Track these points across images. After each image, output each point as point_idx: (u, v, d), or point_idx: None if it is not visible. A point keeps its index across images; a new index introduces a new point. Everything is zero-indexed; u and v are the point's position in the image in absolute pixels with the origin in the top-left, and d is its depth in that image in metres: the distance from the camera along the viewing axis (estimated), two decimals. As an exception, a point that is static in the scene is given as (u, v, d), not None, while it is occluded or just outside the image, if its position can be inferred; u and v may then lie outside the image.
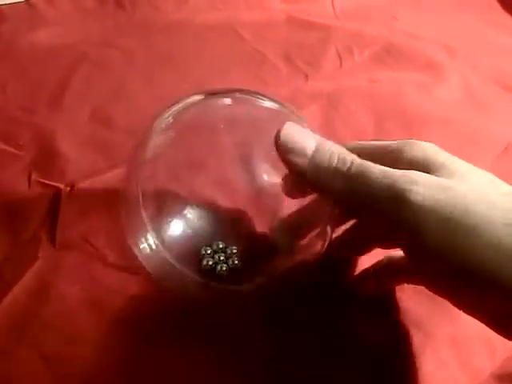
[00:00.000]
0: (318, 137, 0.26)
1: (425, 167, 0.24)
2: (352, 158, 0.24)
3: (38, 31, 0.53)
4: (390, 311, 0.34)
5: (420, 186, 0.22)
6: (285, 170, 0.28)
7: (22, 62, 0.50)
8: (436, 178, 0.23)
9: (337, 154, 0.25)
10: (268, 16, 0.59)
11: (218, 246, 0.35)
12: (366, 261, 0.36)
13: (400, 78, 0.52)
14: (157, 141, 0.31)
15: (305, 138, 0.26)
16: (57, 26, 0.54)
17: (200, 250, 0.34)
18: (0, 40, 0.51)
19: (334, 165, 0.25)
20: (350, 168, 0.24)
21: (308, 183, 0.26)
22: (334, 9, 0.62)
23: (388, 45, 0.56)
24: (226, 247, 0.35)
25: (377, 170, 0.23)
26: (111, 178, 0.39)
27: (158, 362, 0.31)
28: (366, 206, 0.24)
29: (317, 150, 0.25)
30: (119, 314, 0.33)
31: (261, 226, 0.36)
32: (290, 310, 0.33)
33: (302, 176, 0.26)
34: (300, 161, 0.25)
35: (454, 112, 0.49)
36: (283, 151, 0.26)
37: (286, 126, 0.26)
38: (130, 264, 0.34)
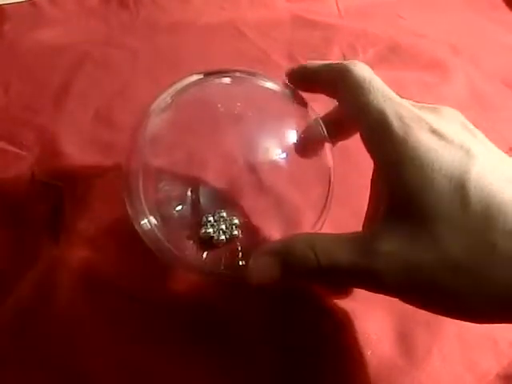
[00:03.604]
0: (280, 251, 0.26)
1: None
2: (316, 259, 0.24)
3: (42, 31, 0.53)
4: (395, 311, 0.34)
5: (389, 274, 0.22)
6: (286, 146, 0.28)
7: (25, 61, 0.50)
8: (398, 256, 0.22)
9: (302, 264, 0.25)
10: (272, 15, 0.59)
11: (219, 214, 0.35)
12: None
13: (404, 77, 0.51)
14: (156, 121, 0.31)
15: (270, 266, 0.26)
16: (60, 25, 0.54)
17: (201, 220, 0.35)
18: (3, 40, 0.51)
19: (304, 273, 0.25)
20: (320, 266, 0.24)
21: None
22: (338, 8, 0.62)
23: (392, 44, 0.56)
24: (227, 217, 0.35)
25: (345, 259, 0.23)
26: (114, 177, 0.39)
27: (160, 363, 0.31)
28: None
29: (285, 273, 0.25)
30: (123, 314, 0.33)
31: (261, 202, 0.37)
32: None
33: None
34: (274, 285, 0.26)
35: (459, 111, 0.48)
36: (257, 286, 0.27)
37: (250, 269, 0.26)
38: (135, 265, 0.34)
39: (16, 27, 0.53)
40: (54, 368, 0.30)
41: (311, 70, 0.30)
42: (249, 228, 0.36)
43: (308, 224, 0.33)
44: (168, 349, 0.31)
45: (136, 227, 0.31)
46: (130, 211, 0.31)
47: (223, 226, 0.35)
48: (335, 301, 0.34)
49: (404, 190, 0.23)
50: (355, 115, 0.26)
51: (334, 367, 0.31)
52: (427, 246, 0.21)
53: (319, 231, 0.32)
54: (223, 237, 0.34)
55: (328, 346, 0.32)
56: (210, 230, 0.34)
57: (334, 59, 0.53)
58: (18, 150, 0.41)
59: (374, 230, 0.24)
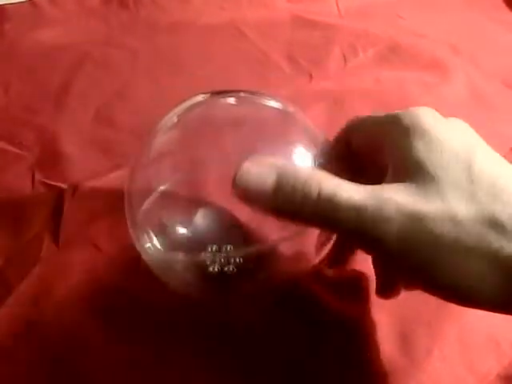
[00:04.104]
0: (279, 166, 0.25)
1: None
2: (319, 186, 0.23)
3: (42, 31, 0.53)
4: (396, 312, 0.34)
5: (388, 224, 0.21)
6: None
7: (25, 61, 0.50)
8: (405, 204, 0.22)
9: (301, 185, 0.24)
10: (272, 15, 0.59)
11: (226, 249, 0.35)
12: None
13: (404, 77, 0.51)
14: (161, 140, 0.31)
15: (263, 176, 0.25)
16: (60, 25, 0.54)
17: (206, 249, 0.34)
18: (3, 40, 0.51)
19: (299, 198, 0.24)
20: (319, 196, 0.23)
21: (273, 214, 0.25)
22: (338, 8, 0.62)
23: (392, 44, 0.56)
24: (229, 251, 0.35)
25: (344, 197, 0.22)
26: (115, 178, 0.39)
27: (160, 363, 0.31)
28: (336, 230, 0.26)
29: (278, 188, 0.24)
30: (124, 316, 0.32)
31: (266, 227, 0.36)
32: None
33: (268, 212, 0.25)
34: (262, 201, 0.25)
35: (459, 111, 0.47)
36: (242, 197, 0.25)
37: (240, 170, 0.25)
38: (135, 265, 0.33)
39: (16, 27, 0.53)
40: (54, 368, 0.30)
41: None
42: (249, 260, 0.36)
43: None
44: (168, 349, 0.31)
45: (136, 246, 0.30)
46: (131, 231, 0.30)
47: (222, 260, 0.34)
48: (336, 302, 0.34)
49: (413, 157, 0.22)
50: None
51: (334, 368, 0.31)
52: (434, 201, 0.21)
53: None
54: (232, 268, 0.34)
55: (328, 347, 0.32)
56: (208, 260, 0.34)
57: (334, 59, 0.53)
58: (18, 150, 0.41)
59: (382, 185, 0.23)
